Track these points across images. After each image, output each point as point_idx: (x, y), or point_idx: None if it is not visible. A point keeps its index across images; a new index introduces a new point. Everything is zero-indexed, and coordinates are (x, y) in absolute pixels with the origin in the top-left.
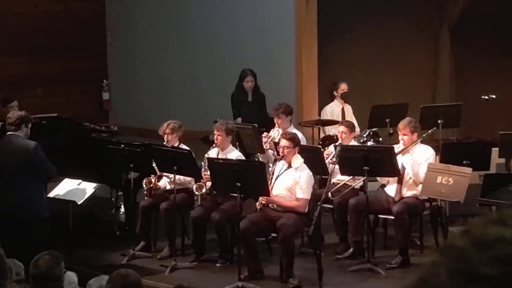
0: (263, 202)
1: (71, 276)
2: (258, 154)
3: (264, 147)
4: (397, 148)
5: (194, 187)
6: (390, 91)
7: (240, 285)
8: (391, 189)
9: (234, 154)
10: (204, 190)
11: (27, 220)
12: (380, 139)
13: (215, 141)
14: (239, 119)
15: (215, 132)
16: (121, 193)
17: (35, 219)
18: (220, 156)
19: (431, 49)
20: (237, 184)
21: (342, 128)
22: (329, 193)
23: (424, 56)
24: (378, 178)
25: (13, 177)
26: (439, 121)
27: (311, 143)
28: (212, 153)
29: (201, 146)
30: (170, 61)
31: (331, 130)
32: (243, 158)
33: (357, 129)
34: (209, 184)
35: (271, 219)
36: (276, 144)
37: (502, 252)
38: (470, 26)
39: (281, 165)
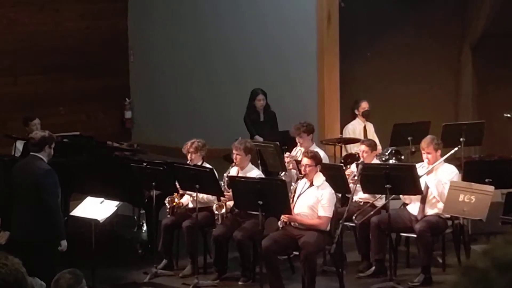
0: (285, 220)
1: None
2: (281, 172)
3: (286, 166)
4: (421, 167)
5: (214, 206)
6: (412, 109)
7: None
8: (413, 207)
9: (254, 173)
10: (223, 210)
11: (31, 244)
12: (402, 157)
13: (234, 160)
14: (259, 137)
15: (234, 151)
16: (143, 211)
17: (38, 244)
18: (240, 175)
19: (453, 67)
20: (259, 202)
21: (363, 147)
22: (354, 217)
23: (446, 74)
24: (400, 197)
25: (26, 199)
26: (461, 139)
27: (333, 161)
28: (232, 172)
29: (224, 164)
30: (192, 80)
31: (353, 148)
32: (263, 176)
33: (379, 147)
34: (229, 203)
35: (293, 237)
36: (298, 163)
37: None
38: (492, 44)
39: (303, 183)
